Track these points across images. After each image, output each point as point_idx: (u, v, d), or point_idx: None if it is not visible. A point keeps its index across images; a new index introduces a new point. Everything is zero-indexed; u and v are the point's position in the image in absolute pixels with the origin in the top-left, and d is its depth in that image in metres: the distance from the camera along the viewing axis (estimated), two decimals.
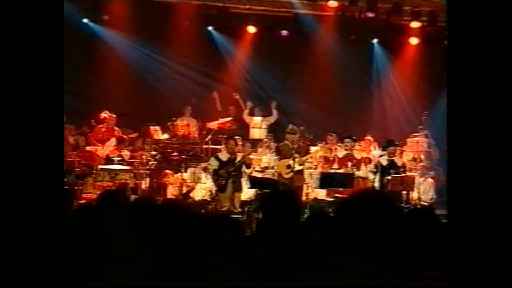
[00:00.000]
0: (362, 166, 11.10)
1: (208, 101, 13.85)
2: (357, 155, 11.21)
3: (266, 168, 11.69)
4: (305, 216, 3.65)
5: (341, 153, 11.29)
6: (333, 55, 14.41)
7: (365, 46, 14.84)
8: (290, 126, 11.13)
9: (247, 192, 10.92)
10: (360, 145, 12.29)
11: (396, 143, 11.48)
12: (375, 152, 12.28)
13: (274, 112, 13.46)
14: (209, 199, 11.16)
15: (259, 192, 10.02)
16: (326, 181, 10.64)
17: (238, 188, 10.71)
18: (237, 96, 13.45)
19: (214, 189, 10.84)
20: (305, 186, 10.82)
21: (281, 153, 10.66)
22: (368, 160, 11.25)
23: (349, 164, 10.87)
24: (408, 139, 13.12)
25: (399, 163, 11.33)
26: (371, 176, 11.02)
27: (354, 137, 11.40)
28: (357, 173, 10.86)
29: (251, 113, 13.43)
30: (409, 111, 14.44)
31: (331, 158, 11.55)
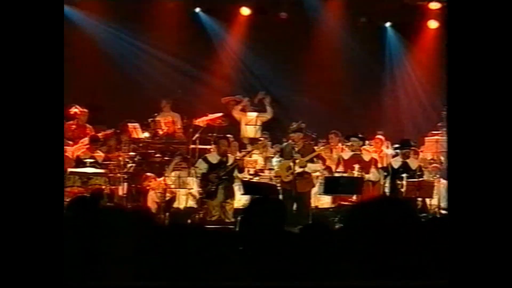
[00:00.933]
0: (372, 169, 11.03)
1: (195, 93, 13.84)
2: (366, 156, 11.13)
3: (261, 171, 11.84)
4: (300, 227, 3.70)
5: (347, 154, 11.21)
6: (340, 41, 14.47)
7: (376, 31, 14.90)
8: (295, 124, 11.10)
9: (240, 199, 11.00)
10: (370, 145, 12.27)
11: (412, 143, 11.41)
12: (388, 151, 12.27)
13: (268, 108, 13.46)
14: (196, 207, 11.19)
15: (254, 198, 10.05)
16: (331, 186, 10.64)
17: (230, 195, 10.72)
18: (228, 99, 13.44)
19: (202, 195, 10.92)
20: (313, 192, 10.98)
21: (283, 155, 10.68)
22: (375, 162, 11.24)
23: (356, 166, 10.81)
24: (426, 138, 12.96)
25: (415, 166, 11.21)
26: (382, 180, 11.14)
27: (361, 135, 11.31)
28: (367, 177, 10.82)
29: (244, 109, 13.45)
30: (427, 105, 14.38)
31: (332, 159, 11.58)
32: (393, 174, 10.87)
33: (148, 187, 11.71)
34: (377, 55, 14.71)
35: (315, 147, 11.42)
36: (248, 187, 10.56)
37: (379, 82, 14.74)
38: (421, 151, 12.40)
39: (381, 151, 12.34)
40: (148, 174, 11.75)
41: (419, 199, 10.65)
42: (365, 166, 10.93)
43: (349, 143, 11.27)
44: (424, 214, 10.21)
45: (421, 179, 10.99)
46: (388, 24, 14.90)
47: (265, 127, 13.22)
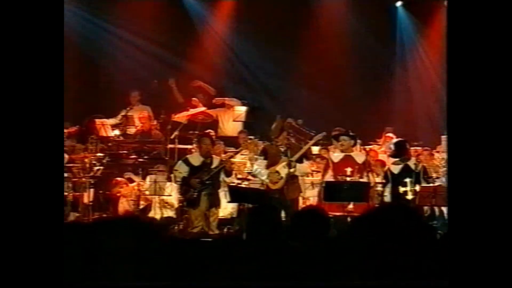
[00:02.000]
0: (366, 173, 10.83)
1: (176, 85, 13.90)
2: (358, 158, 10.94)
3: (252, 175, 11.73)
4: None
5: (336, 155, 11.03)
6: (343, 24, 14.51)
7: (385, 11, 14.89)
8: (283, 119, 11.02)
9: (227, 208, 11.06)
10: (378, 144, 12.18)
11: (406, 145, 11.12)
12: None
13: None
14: (175, 217, 11.30)
15: (242, 207, 10.25)
16: (332, 192, 10.52)
17: (214, 203, 10.61)
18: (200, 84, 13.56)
19: (182, 203, 10.95)
20: (301, 198, 10.86)
21: (268, 156, 10.58)
22: (381, 164, 11.18)
23: (348, 170, 10.66)
24: (443, 136, 12.73)
25: (431, 168, 11.13)
26: (378, 185, 10.99)
27: (352, 133, 11.12)
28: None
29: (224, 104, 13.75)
30: (444, 97, 14.08)
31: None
32: (394, 180, 10.73)
33: (118, 194, 11.73)
34: (386, 40, 14.78)
35: (317, 148, 11.49)
36: (236, 193, 10.42)
37: (388, 71, 14.78)
38: (437, 151, 12.19)
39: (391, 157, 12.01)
40: (119, 178, 11.82)
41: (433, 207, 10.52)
42: (359, 170, 10.77)
43: (338, 143, 11.09)
44: (435, 222, 10.20)
45: (437, 184, 10.69)
46: (399, 4, 14.94)
47: (251, 123, 13.30)
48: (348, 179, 10.58)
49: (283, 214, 9.94)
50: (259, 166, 10.64)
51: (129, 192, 11.59)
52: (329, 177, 10.78)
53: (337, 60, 14.22)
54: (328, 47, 14.29)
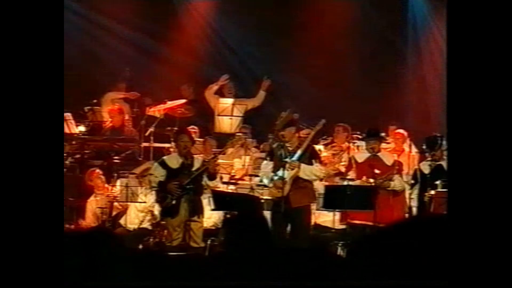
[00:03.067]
0: (396, 175, 10.88)
1: (150, 73, 13.95)
2: (387, 159, 11.03)
3: (241, 178, 11.91)
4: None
5: (361, 155, 11.11)
6: (349, 6, 14.56)
7: None
8: (284, 113, 10.92)
9: (211, 217, 11.14)
10: (387, 142, 12.27)
11: (440, 140, 11.18)
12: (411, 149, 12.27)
13: (262, 93, 13.64)
14: (150, 228, 11.38)
15: (229, 216, 10.23)
16: (333, 198, 10.51)
17: (196, 211, 10.57)
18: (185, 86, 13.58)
19: (159, 211, 10.91)
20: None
21: (274, 158, 10.58)
22: (400, 165, 11.13)
23: (377, 171, 10.69)
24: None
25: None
26: (407, 189, 11.07)
27: (382, 133, 11.26)
28: (392, 185, 10.77)
29: (220, 92, 13.62)
30: None
31: (343, 163, 11.60)
32: (423, 181, 10.79)
33: (85, 200, 11.81)
34: (397, 23, 14.83)
35: (317, 146, 11.57)
36: (221, 200, 10.44)
37: (399, 58, 14.81)
38: None
39: (402, 151, 12.29)
40: (97, 170, 11.95)
41: None
42: (386, 171, 10.80)
43: (366, 142, 11.17)
44: None
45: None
46: None
47: (247, 118, 13.46)
48: (373, 182, 10.63)
49: (289, 227, 10.23)
50: (265, 171, 10.59)
51: (100, 194, 11.63)
52: (350, 178, 10.81)
53: (339, 46, 14.29)
54: (328, 31, 14.34)
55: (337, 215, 10.99)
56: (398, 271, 2.91)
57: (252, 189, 11.03)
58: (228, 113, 13.29)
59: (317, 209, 10.93)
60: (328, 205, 10.62)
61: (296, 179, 10.32)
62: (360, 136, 11.85)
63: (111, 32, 14.18)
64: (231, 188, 11.35)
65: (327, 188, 10.71)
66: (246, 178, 11.89)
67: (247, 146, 12.51)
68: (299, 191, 10.34)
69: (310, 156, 10.42)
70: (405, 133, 12.65)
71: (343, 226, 10.71)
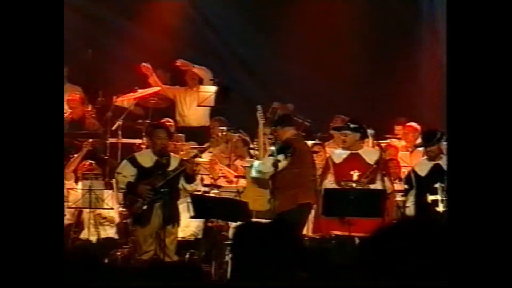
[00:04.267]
0: (379, 177, 10.79)
1: (117, 56, 14.01)
2: (369, 156, 10.96)
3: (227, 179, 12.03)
4: None
5: (338, 154, 11.09)
6: None
7: None
8: (276, 104, 11.17)
9: (189, 226, 11.30)
10: (398, 138, 12.36)
11: (439, 135, 11.04)
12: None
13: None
14: (117, 239, 11.57)
15: (210, 224, 10.40)
16: (333, 203, 10.54)
17: (172, 218, 10.59)
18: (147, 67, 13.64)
19: (127, 219, 11.05)
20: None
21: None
22: (383, 163, 11.05)
23: (355, 174, 10.72)
24: None
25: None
26: (410, 196, 10.98)
27: (356, 125, 11.04)
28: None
29: (198, 79, 13.93)
30: None
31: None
32: (419, 185, 10.77)
33: None
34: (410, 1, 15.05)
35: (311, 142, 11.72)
36: (202, 206, 10.43)
37: (412, 41, 14.86)
38: None
39: (413, 148, 12.23)
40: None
41: None
42: (368, 172, 10.77)
43: (341, 136, 11.11)
44: None
45: None
46: None
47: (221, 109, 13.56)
48: (354, 185, 10.61)
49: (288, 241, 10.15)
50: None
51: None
52: (328, 183, 10.82)
53: (341, 25, 14.42)
54: (328, 8, 14.42)
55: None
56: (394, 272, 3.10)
57: (239, 193, 11.07)
58: (211, 103, 13.36)
59: (318, 217, 10.85)
60: (329, 211, 10.57)
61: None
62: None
63: (70, 6, 14.11)
64: (213, 192, 11.38)
65: (327, 192, 10.69)
66: (232, 180, 11.94)
67: (237, 145, 12.40)
68: (282, 192, 10.50)
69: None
70: (418, 127, 12.63)
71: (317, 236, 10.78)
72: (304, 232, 10.84)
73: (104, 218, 11.55)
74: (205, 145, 11.79)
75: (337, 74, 14.15)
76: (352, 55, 14.39)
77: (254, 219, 10.41)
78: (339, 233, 10.53)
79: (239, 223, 9.09)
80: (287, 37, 14.56)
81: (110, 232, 11.47)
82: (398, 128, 12.78)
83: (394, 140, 12.19)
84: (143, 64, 13.20)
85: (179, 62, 13.67)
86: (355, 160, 10.91)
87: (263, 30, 14.62)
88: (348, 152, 10.92)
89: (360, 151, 10.90)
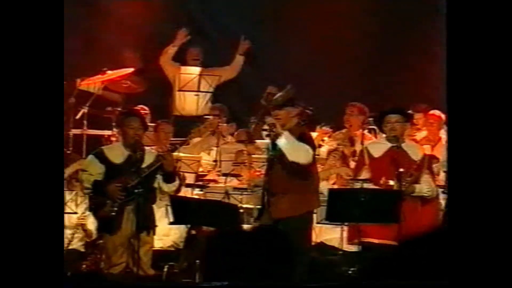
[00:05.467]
0: (426, 176, 10.80)
1: (84, 32, 13.99)
2: (414, 152, 10.93)
3: (213, 179, 12.25)
4: None
5: (378, 146, 11.11)
6: None
7: None
8: (279, 91, 11.08)
9: (168, 233, 11.47)
10: (417, 127, 12.52)
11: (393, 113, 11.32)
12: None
13: (238, 59, 14.01)
14: (82, 250, 11.67)
15: (193, 232, 10.57)
16: (339, 207, 10.48)
17: (147, 224, 10.52)
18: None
19: (94, 225, 11.11)
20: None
21: (267, 153, 10.93)
22: (430, 159, 11.10)
23: (398, 171, 10.60)
24: None
25: None
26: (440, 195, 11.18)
27: (407, 110, 11.19)
28: (417, 189, 10.77)
29: (181, 58, 14.11)
30: None
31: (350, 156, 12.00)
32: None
33: None
34: None
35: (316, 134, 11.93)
36: (183, 209, 10.40)
37: (430, 19, 14.82)
38: None
39: (439, 140, 12.51)
40: None
41: None
42: (413, 169, 10.74)
43: (382, 124, 11.00)
44: None
45: None
46: None
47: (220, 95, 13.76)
48: (394, 186, 10.57)
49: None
50: None
51: None
52: (362, 178, 10.94)
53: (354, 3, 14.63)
54: None
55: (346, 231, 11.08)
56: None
57: (227, 194, 11.21)
58: (194, 88, 13.41)
59: (318, 222, 10.98)
60: (334, 216, 10.56)
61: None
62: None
63: None
64: (197, 193, 11.54)
65: (331, 193, 10.59)
66: (220, 179, 12.11)
67: (221, 133, 12.62)
68: (284, 196, 10.32)
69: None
70: (442, 116, 12.68)
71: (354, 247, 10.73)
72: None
73: (67, 226, 11.43)
74: (188, 138, 11.88)
75: (346, 54, 14.30)
76: (363, 34, 14.61)
77: (246, 226, 10.75)
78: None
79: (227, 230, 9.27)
80: (290, 14, 14.68)
81: (74, 241, 11.48)
82: (418, 117, 12.73)
83: (414, 131, 12.27)
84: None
85: (182, 32, 13.79)
86: (398, 155, 10.82)
87: (261, 7, 14.72)
88: (389, 145, 10.86)
89: (403, 145, 10.84)
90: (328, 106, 12.76)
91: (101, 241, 10.78)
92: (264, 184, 10.48)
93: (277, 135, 10.38)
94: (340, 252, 11.10)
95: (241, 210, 10.93)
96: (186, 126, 12.58)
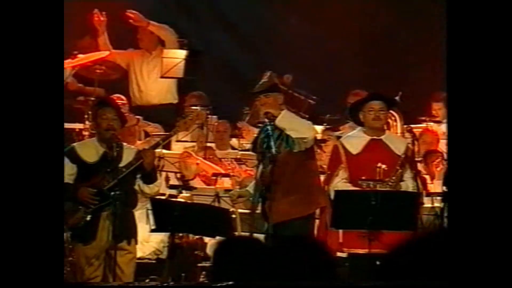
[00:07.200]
0: (408, 172, 10.86)
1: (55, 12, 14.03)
2: (396, 146, 10.90)
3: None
4: None
5: (356, 141, 10.98)
6: None
7: None
8: (266, 75, 11.23)
9: (149, 241, 11.84)
10: (437, 119, 12.69)
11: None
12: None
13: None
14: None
15: (178, 240, 10.83)
16: (347, 210, 10.46)
17: (125, 232, 10.51)
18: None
19: (66, 233, 10.89)
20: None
21: (256, 148, 11.12)
22: (412, 154, 11.26)
23: (382, 167, 10.65)
24: None
25: None
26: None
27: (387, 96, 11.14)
28: (404, 187, 10.89)
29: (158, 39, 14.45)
30: None
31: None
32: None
33: None
34: None
35: (319, 127, 12.19)
36: (166, 214, 10.44)
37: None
38: None
39: (438, 137, 12.75)
40: None
41: None
42: (398, 166, 10.74)
43: (361, 113, 10.81)
44: None
45: None
46: None
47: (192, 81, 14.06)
48: (377, 186, 10.54)
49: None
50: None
51: None
52: (340, 182, 10.76)
53: None
54: None
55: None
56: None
57: (218, 197, 11.38)
58: (179, 74, 13.43)
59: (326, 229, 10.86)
60: (340, 222, 10.44)
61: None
62: None
63: None
64: (183, 196, 11.58)
65: (338, 194, 10.43)
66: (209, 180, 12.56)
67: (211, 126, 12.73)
68: (287, 195, 10.46)
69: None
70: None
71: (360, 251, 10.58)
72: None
73: None
74: (172, 132, 11.62)
75: (352, 39, 14.71)
76: (370, 17, 15.06)
77: (240, 234, 10.91)
78: (358, 251, 10.50)
79: (218, 238, 9.26)
80: None
81: None
82: (437, 107, 12.70)
83: (431, 124, 12.35)
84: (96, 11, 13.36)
85: (131, 13, 13.65)
86: (378, 149, 10.71)
87: None
88: (368, 138, 10.67)
89: (382, 137, 10.67)
90: (331, 96, 12.93)
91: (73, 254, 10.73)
92: (258, 184, 10.45)
93: (276, 117, 10.37)
94: (346, 264, 10.76)
95: (233, 216, 11.00)
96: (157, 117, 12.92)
